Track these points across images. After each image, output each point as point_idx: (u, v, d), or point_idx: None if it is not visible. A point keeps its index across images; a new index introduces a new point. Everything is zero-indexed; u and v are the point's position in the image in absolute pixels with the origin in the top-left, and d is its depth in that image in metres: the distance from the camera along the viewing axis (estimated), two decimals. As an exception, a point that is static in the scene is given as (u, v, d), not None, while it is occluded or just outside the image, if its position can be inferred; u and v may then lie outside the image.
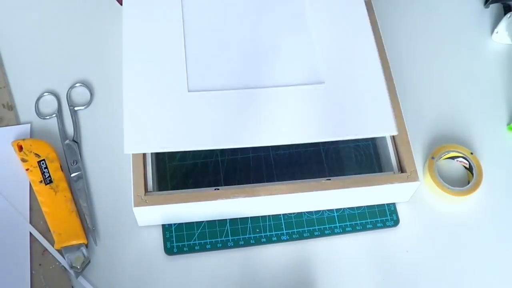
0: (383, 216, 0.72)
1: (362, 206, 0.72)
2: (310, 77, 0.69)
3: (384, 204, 0.72)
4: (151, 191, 0.66)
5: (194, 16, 0.72)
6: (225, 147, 0.65)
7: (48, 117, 0.75)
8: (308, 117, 0.67)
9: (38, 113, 0.75)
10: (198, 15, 0.72)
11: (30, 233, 0.68)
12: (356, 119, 0.67)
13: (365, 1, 0.74)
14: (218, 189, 0.66)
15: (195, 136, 0.64)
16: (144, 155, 0.67)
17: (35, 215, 0.69)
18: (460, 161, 0.76)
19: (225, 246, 0.69)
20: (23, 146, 0.71)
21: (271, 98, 0.67)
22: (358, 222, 0.71)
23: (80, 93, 0.77)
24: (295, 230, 0.70)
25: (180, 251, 0.68)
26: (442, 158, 0.75)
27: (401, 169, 0.70)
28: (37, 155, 0.71)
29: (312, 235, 0.70)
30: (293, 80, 0.69)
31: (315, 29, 0.72)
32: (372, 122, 0.67)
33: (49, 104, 0.76)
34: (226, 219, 0.70)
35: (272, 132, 0.65)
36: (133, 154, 0.66)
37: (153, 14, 0.71)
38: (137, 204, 0.64)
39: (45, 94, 0.76)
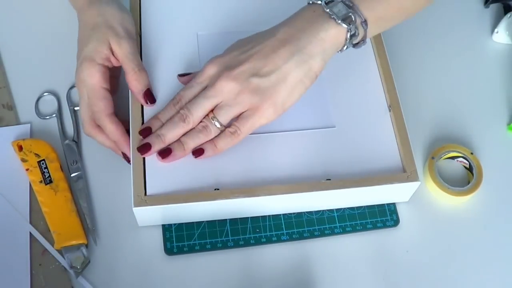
0: (383, 216, 0.72)
1: (362, 206, 0.72)
2: (322, 121, 0.72)
3: (384, 204, 0.72)
4: (150, 191, 0.66)
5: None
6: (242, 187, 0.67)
7: (48, 117, 0.75)
8: (319, 157, 0.70)
9: (38, 113, 0.75)
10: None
11: (30, 233, 0.68)
12: (365, 160, 0.70)
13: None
14: (218, 189, 0.66)
15: (214, 177, 0.67)
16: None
17: (35, 215, 0.69)
18: (460, 161, 0.76)
19: (225, 246, 0.69)
20: (23, 146, 0.71)
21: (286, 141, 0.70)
22: (358, 222, 0.71)
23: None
24: (295, 230, 0.70)
25: (180, 251, 0.68)
26: (442, 158, 0.75)
27: (402, 169, 0.70)
28: (37, 155, 0.71)
29: (312, 235, 0.70)
30: (306, 125, 0.72)
31: (327, 77, 0.74)
32: (380, 163, 0.70)
33: (49, 104, 0.76)
34: (226, 219, 0.70)
35: (287, 169, 0.68)
36: (133, 154, 0.66)
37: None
38: (137, 204, 0.64)
39: (45, 94, 0.76)
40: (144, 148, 0.66)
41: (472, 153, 0.75)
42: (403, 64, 0.81)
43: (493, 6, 0.89)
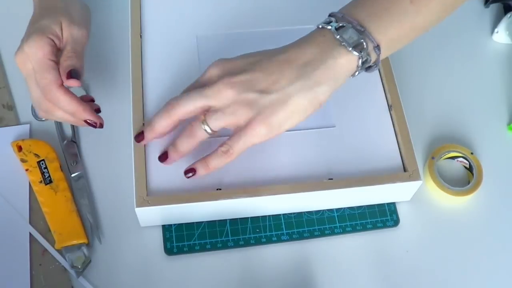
0: (383, 216, 0.72)
1: (362, 206, 0.72)
2: (322, 121, 0.72)
3: (384, 204, 0.73)
4: (152, 192, 0.66)
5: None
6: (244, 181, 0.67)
7: (44, 119, 0.75)
8: (321, 157, 0.70)
9: (35, 115, 0.75)
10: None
11: (30, 233, 0.68)
12: (366, 160, 0.70)
13: None
14: (220, 189, 0.66)
15: (216, 177, 0.67)
16: (145, 155, 0.67)
17: (35, 215, 0.69)
18: (460, 161, 0.76)
19: (225, 246, 0.69)
20: (22, 147, 0.71)
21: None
22: (358, 222, 0.71)
23: (77, 94, 0.76)
24: (295, 230, 0.70)
25: (180, 251, 0.68)
26: (442, 158, 0.75)
27: (403, 169, 0.70)
28: (36, 155, 0.71)
29: (312, 235, 0.70)
30: (307, 125, 0.70)
31: None
32: (380, 162, 0.70)
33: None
34: (226, 219, 0.70)
35: (288, 169, 0.69)
36: (134, 155, 0.66)
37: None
38: (140, 204, 0.64)
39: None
40: (138, 136, 0.66)
41: (472, 153, 0.75)
42: (403, 64, 0.81)
43: (493, 6, 0.89)
